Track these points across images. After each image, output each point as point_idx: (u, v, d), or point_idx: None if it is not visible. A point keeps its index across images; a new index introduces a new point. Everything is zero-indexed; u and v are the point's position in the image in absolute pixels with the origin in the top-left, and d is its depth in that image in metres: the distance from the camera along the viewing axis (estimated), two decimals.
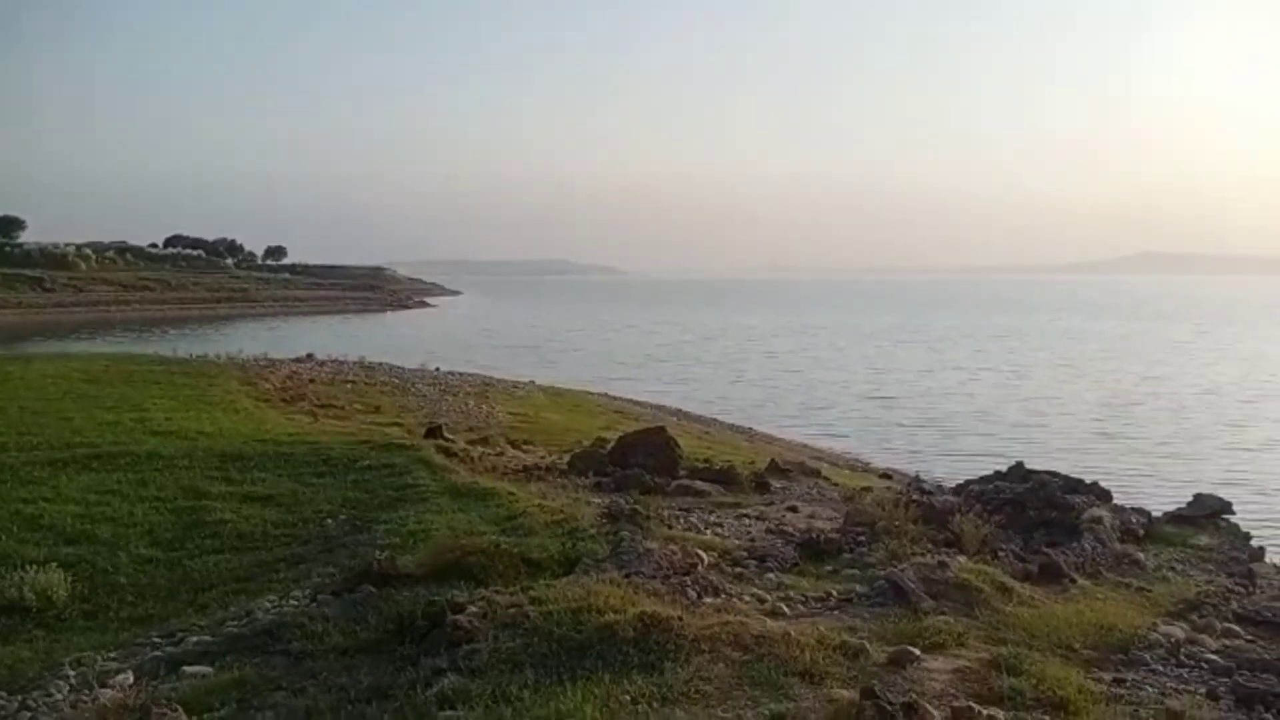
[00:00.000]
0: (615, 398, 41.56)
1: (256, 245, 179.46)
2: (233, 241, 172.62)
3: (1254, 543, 13.00)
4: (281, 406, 27.62)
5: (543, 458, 20.29)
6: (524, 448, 22.19)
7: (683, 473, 17.62)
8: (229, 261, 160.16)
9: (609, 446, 19.39)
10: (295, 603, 10.39)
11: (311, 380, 35.08)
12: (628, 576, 8.91)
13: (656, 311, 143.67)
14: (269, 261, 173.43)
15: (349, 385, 34.80)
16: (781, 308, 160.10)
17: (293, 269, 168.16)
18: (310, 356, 44.58)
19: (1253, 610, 9.31)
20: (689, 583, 9.08)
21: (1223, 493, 15.07)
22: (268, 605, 10.58)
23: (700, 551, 10.46)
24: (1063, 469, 15.67)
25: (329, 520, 14.46)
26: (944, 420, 38.31)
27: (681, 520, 13.68)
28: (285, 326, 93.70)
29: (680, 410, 39.01)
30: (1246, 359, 64.93)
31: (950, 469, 25.64)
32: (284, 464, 17.72)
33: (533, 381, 42.62)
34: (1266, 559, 12.71)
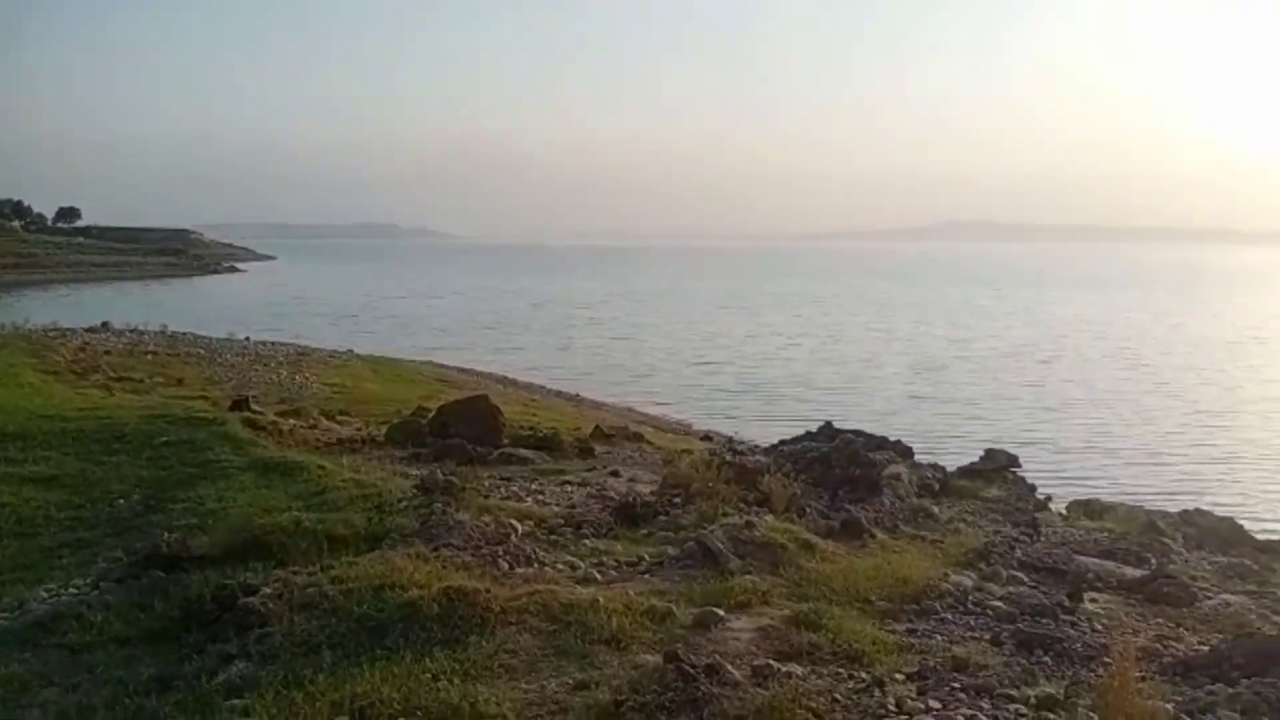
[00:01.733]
0: (440, 366, 40.77)
1: (46, 207, 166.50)
2: (19, 203, 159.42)
3: (1041, 494, 13.88)
4: (72, 380, 25.71)
5: (359, 429, 19.62)
6: (339, 419, 21.41)
7: (506, 441, 17.37)
8: (15, 224, 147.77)
9: (429, 416, 18.94)
10: (76, 591, 9.63)
11: (107, 352, 32.81)
12: (436, 550, 8.67)
13: (485, 277, 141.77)
14: (61, 224, 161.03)
15: (149, 356, 32.75)
16: (612, 274, 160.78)
17: (87, 232, 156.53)
18: (106, 326, 41.77)
19: (1035, 558, 9.92)
20: (501, 553, 8.92)
21: (1021, 450, 16.09)
22: (45, 595, 9.76)
23: (515, 521, 10.31)
24: (874, 429, 16.28)
25: (120, 501, 13.50)
26: (765, 384, 39.42)
27: (502, 489, 13.47)
28: (79, 294, 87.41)
29: (506, 378, 38.66)
30: (1041, 321, 69.71)
31: (769, 431, 26.41)
32: (72, 441, 16.45)
33: (352, 351, 41.27)
34: (1051, 508, 13.61)
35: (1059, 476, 22.41)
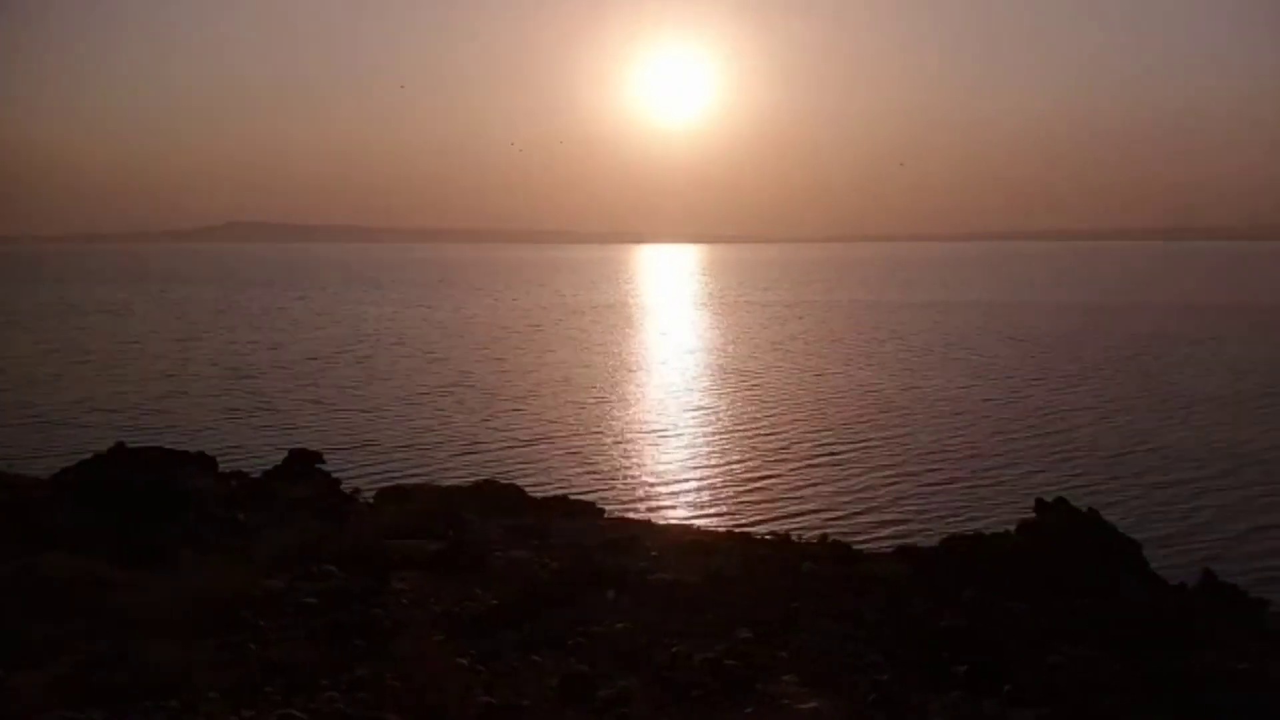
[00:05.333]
0: None
1: None
2: None
3: (349, 487, 14.36)
4: None
5: None
6: None
7: None
8: None
9: None
10: None
11: None
12: None
13: None
14: None
15: None
16: None
17: None
18: None
19: (345, 549, 10.25)
20: None
21: (335, 448, 16.37)
22: None
23: None
24: (182, 443, 15.40)
25: None
26: (44, 411, 34.56)
27: None
28: None
29: None
30: (349, 323, 71.47)
31: (54, 463, 23.34)
32: None
33: None
34: (360, 499, 14.15)
35: (373, 468, 23.37)
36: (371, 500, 14.05)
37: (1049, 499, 13.08)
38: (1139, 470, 24.16)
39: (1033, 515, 12.76)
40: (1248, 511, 20.41)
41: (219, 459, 16.20)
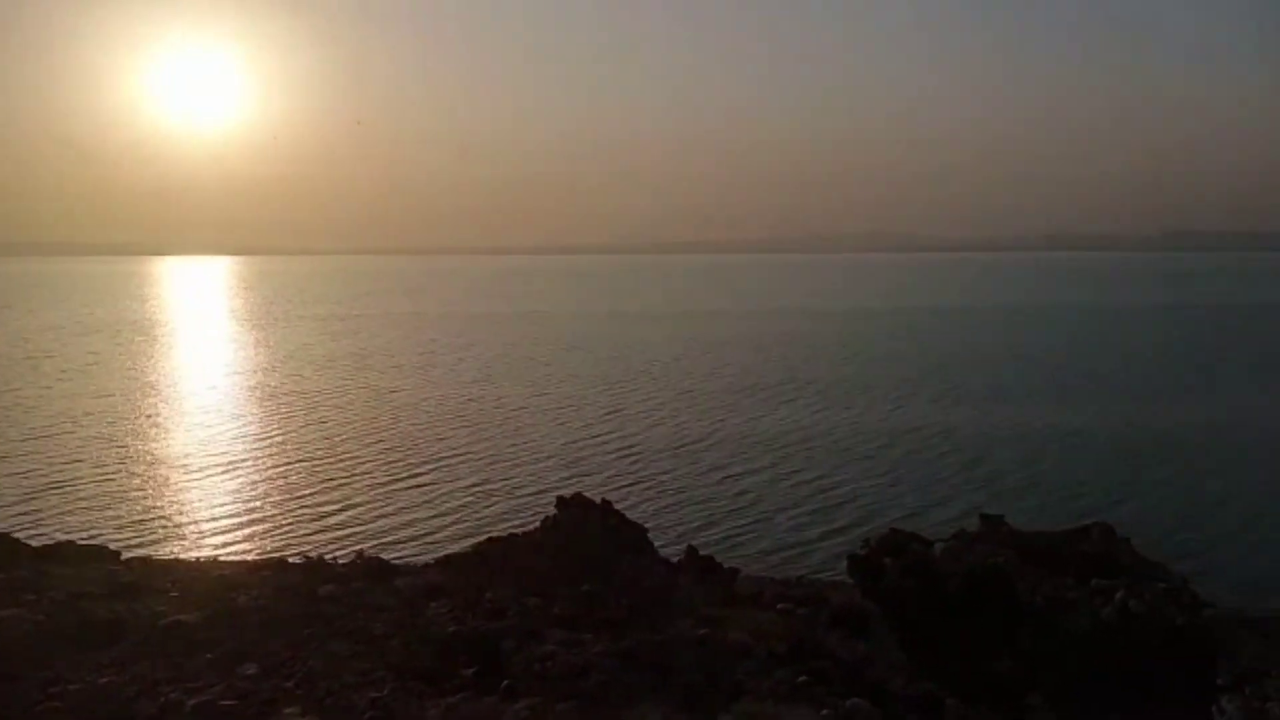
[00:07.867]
0: None
1: None
2: None
3: None
4: None
5: None
6: None
7: None
8: None
9: None
10: None
11: None
12: None
13: None
14: None
15: None
16: None
17: None
18: None
19: None
20: None
21: None
22: None
23: None
24: None
25: None
26: None
27: None
28: None
29: None
30: None
31: None
32: None
33: None
34: None
35: None
36: None
37: (568, 495, 14.06)
38: (656, 459, 26.78)
39: (555, 511, 13.64)
40: (733, 491, 23.37)
41: None
